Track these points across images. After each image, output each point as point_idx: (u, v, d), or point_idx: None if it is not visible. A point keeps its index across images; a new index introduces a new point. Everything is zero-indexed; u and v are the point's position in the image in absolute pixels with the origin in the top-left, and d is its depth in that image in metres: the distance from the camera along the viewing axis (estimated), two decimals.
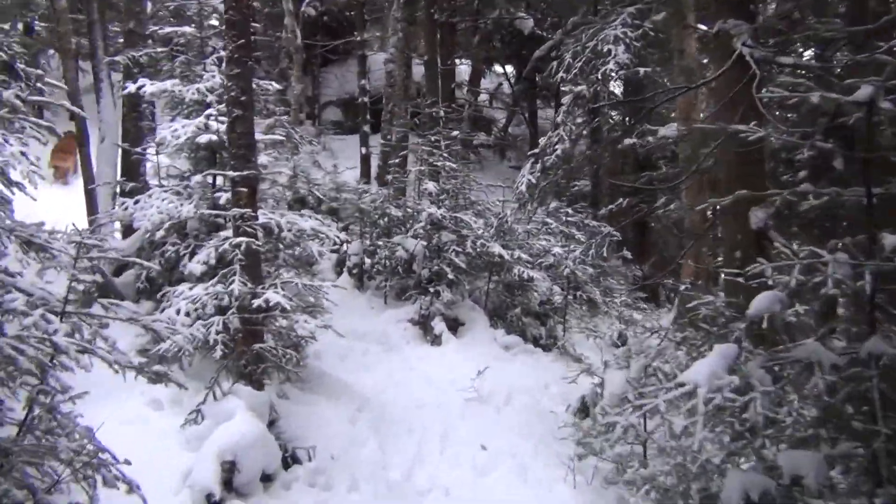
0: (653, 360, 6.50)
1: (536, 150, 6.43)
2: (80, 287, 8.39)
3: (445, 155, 11.48)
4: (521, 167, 23.04)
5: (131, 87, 8.02)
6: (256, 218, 6.44)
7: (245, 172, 6.31)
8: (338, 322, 11.40)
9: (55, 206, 13.78)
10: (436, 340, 10.54)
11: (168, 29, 8.21)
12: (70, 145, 13.44)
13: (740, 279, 6.39)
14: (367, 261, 12.27)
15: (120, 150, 10.25)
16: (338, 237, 8.13)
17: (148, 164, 10.34)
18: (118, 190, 9.63)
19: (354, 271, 11.96)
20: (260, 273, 6.53)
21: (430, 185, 10.89)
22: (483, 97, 24.21)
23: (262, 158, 7.55)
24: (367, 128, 18.86)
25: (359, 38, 18.53)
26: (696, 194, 10.77)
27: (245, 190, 6.38)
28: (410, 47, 15.88)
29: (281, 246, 7.37)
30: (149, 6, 10.59)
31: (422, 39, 17.07)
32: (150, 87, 7.92)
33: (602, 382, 8.50)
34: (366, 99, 19.28)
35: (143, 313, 8.01)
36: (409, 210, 12.15)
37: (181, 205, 7.48)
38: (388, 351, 10.42)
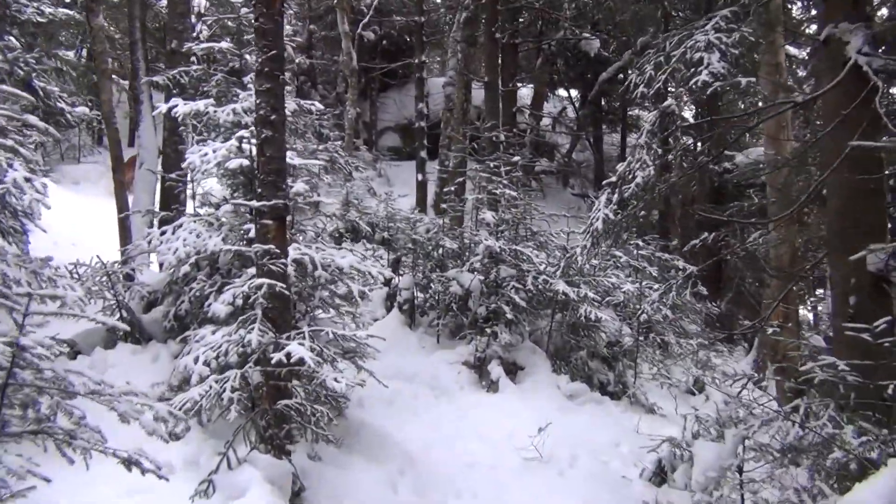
0: (754, 431, 5.39)
1: (613, 179, 5.44)
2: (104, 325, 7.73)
3: (505, 182, 10.55)
4: (585, 195, 22.06)
5: (162, 108, 7.37)
6: (284, 254, 5.61)
7: (273, 202, 5.50)
8: (386, 362, 10.55)
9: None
10: (492, 386, 9.54)
11: (204, 45, 7.55)
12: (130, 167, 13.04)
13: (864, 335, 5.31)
14: (420, 296, 11.41)
15: (159, 177, 9.67)
16: (382, 274, 7.23)
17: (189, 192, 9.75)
18: (156, 220, 9.01)
19: (405, 307, 11.08)
20: (288, 318, 5.70)
21: (489, 215, 9.97)
22: (546, 122, 23.25)
23: (299, 186, 6.74)
24: (424, 153, 18.15)
25: (417, 61, 17.88)
26: (786, 226, 9.53)
27: (272, 223, 5.57)
28: (470, 69, 15.08)
29: (318, 284, 6.52)
30: (193, 24, 10.01)
31: (482, 62, 16.23)
32: (182, 107, 7.24)
33: (681, 439, 7.43)
34: (423, 124, 18.61)
35: (169, 355, 7.30)
36: (465, 241, 11.25)
37: (210, 237, 6.73)
38: (438, 396, 9.47)
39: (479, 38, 15.44)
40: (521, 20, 19.62)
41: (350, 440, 7.16)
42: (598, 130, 22.74)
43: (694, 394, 11.47)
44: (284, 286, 5.40)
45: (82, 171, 19.44)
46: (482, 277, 10.27)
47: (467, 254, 11.09)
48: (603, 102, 24.08)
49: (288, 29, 22.14)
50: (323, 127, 20.52)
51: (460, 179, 12.92)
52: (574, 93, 24.12)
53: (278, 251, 5.49)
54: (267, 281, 5.20)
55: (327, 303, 6.88)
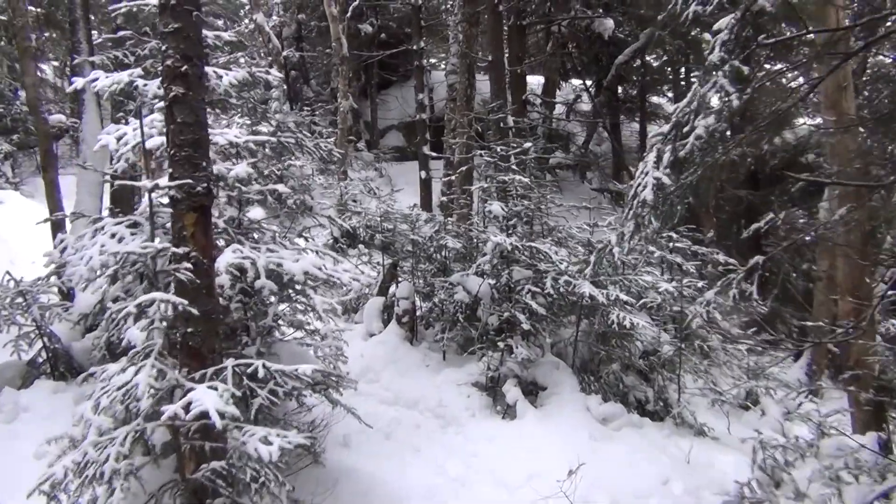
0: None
1: (664, 130, 3.82)
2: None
3: (515, 168, 8.94)
4: (605, 189, 20.34)
5: (78, 83, 5.83)
6: (207, 257, 4.05)
7: (184, 182, 3.94)
8: (384, 384, 8.99)
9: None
10: (508, 412, 7.93)
11: (125, 3, 5.97)
12: None
13: None
14: (423, 305, 9.83)
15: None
16: (356, 279, 5.66)
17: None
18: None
19: (405, 319, 9.49)
20: (214, 346, 4.13)
21: (496, 207, 8.36)
22: (559, 111, 21.59)
23: (240, 169, 5.16)
24: (427, 149, 16.54)
25: (415, 48, 16.31)
26: (860, 204, 7.86)
27: (188, 213, 4.02)
28: (473, 50, 13.47)
29: (269, 298, 4.96)
30: None
31: (486, 44, 14.64)
32: (103, 80, 5.70)
33: (751, 478, 5.81)
34: (424, 116, 17.03)
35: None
36: (472, 240, 9.65)
37: (134, 240, 5.18)
38: (445, 426, 7.88)
39: (481, 16, 13.84)
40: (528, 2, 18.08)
41: (329, 496, 5.57)
42: (616, 118, 21.07)
43: (747, 408, 9.81)
44: (207, 302, 3.83)
45: (62, 184, 18.04)
46: (492, 281, 8.69)
47: (475, 254, 9.52)
48: (620, 90, 22.44)
49: (274, 19, 20.69)
50: (316, 124, 19.04)
51: (465, 168, 11.29)
52: (588, 82, 22.47)
53: (196, 253, 3.93)
54: (160, 296, 3.66)
55: (288, 321, 5.29)
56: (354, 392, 8.69)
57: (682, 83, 22.68)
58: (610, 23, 18.88)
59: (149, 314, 3.92)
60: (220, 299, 4.49)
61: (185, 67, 4.01)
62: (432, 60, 25.46)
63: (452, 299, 9.01)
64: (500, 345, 8.16)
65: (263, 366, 3.91)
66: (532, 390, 8.30)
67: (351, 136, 20.33)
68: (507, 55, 15.93)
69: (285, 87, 19.53)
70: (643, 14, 17.72)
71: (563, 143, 20.63)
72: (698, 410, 8.93)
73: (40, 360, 6.27)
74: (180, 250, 3.94)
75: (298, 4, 20.19)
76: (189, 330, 3.94)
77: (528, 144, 9.64)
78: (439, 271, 9.76)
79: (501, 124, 11.87)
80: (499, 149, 9.20)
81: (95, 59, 7.48)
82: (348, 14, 16.38)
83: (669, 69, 21.91)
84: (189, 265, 3.90)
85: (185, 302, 3.75)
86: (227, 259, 4.53)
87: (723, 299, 9.75)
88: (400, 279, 10.21)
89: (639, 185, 3.78)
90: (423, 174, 16.47)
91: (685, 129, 3.53)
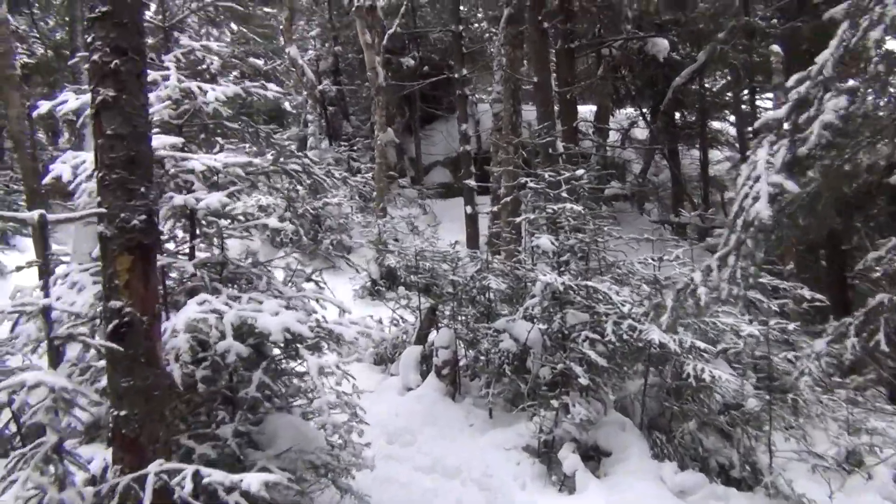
0: None
1: (779, 114, 2.66)
2: None
3: (566, 195, 7.81)
4: (666, 221, 18.88)
5: (42, 107, 4.96)
6: (149, 312, 3.03)
7: (120, 217, 2.95)
8: (421, 447, 7.85)
9: None
10: (566, 483, 6.68)
11: None
12: None
13: None
14: (468, 354, 8.71)
15: None
16: (366, 334, 4.57)
17: None
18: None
19: (444, 371, 8.36)
20: (154, 433, 3.05)
21: (545, 241, 7.20)
22: (612, 138, 20.36)
23: (212, 198, 4.16)
24: (472, 182, 15.50)
25: (457, 76, 15.39)
26: None
27: (124, 255, 3.01)
28: (518, 73, 12.48)
29: (244, 364, 3.90)
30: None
31: (531, 66, 13.63)
32: (73, 102, 4.81)
33: None
34: (468, 147, 16.03)
35: None
36: (518, 279, 8.51)
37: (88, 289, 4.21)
38: (492, 501, 6.69)
39: (525, 37, 12.85)
40: (576, 24, 17.05)
41: None
42: (674, 145, 19.74)
43: (849, 471, 8.30)
44: (146, 374, 2.78)
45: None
46: (543, 326, 7.51)
47: (523, 296, 8.37)
48: (677, 115, 21.13)
49: (311, 53, 20.08)
50: (354, 160, 18.23)
51: (509, 198, 10.16)
52: (643, 108, 21.24)
53: (132, 308, 2.90)
54: (37, 378, 2.60)
55: (276, 392, 4.22)
56: (387, 457, 7.64)
57: (744, 106, 21.27)
58: (665, 43, 17.68)
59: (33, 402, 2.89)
60: (179, 366, 3.45)
61: (116, 63, 3.04)
62: (479, 96, 24.62)
63: (498, 348, 7.86)
64: (554, 403, 6.94)
65: (194, 476, 2.81)
66: (593, 456, 7.03)
67: (394, 172, 19.49)
68: (555, 79, 14.90)
69: (323, 122, 18.84)
70: (701, 30, 16.49)
71: (619, 172, 19.37)
72: (792, 474, 7.51)
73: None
74: (113, 304, 2.94)
75: (334, 36, 19.52)
76: (122, 413, 2.90)
77: (580, 171, 8.47)
78: (483, 316, 8.62)
79: (550, 150, 10.76)
80: (547, 175, 8.08)
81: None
82: (384, 42, 15.59)
83: (730, 94, 20.50)
84: (125, 323, 2.88)
85: (70, 387, 2.71)
86: (188, 314, 3.52)
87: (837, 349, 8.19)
88: (441, 325, 9.11)
89: (744, 197, 2.63)
90: (469, 209, 15.42)
91: (809, 115, 2.38)
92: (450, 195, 20.63)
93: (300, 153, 5.47)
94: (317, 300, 4.56)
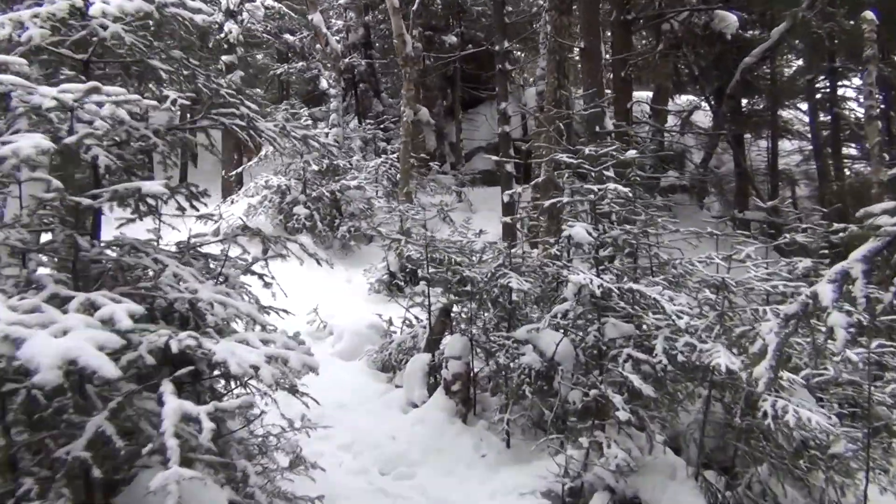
0: None
1: None
2: None
3: (611, 175, 6.20)
4: (730, 217, 16.98)
5: None
6: None
7: None
8: (420, 484, 6.33)
9: None
10: None
11: None
12: None
13: None
14: (485, 367, 7.21)
15: None
16: (308, 367, 3.11)
17: None
18: None
19: (455, 387, 6.86)
20: None
21: (579, 230, 5.60)
22: (670, 123, 18.46)
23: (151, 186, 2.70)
24: (510, 167, 13.92)
25: (497, 49, 13.81)
26: None
27: None
28: (565, 40, 10.84)
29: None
30: None
31: (578, 32, 11.97)
32: None
33: None
34: (508, 128, 14.44)
35: None
36: (548, 277, 6.95)
37: None
38: None
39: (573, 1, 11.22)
40: None
41: None
42: (739, 133, 17.81)
43: None
44: None
45: None
46: (576, 335, 5.95)
47: (554, 298, 6.82)
48: (744, 101, 19.18)
49: (338, 23, 18.69)
50: (382, 139, 16.80)
51: (542, 179, 8.55)
52: (707, 91, 19.29)
53: None
54: None
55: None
56: (377, 491, 6.19)
57: (819, 94, 19.20)
58: (733, 18, 15.74)
59: None
60: None
61: None
62: (526, 76, 22.95)
63: (518, 363, 6.33)
64: (584, 440, 5.37)
65: None
66: None
67: (430, 156, 18.00)
68: (607, 54, 13.22)
69: (353, 100, 17.42)
70: (770, 11, 14.55)
71: (678, 160, 17.50)
72: None
73: None
74: None
75: (366, 4, 17.96)
76: None
77: (632, 152, 6.80)
78: (503, 321, 7.09)
79: (597, 127, 9.14)
80: (587, 150, 6.47)
81: None
82: (414, 6, 14.06)
83: (808, 78, 18.41)
84: None
85: None
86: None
87: None
88: (455, 330, 7.61)
89: None
90: (507, 197, 13.85)
91: None
92: (492, 183, 19.13)
93: (240, 97, 4.01)
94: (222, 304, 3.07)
